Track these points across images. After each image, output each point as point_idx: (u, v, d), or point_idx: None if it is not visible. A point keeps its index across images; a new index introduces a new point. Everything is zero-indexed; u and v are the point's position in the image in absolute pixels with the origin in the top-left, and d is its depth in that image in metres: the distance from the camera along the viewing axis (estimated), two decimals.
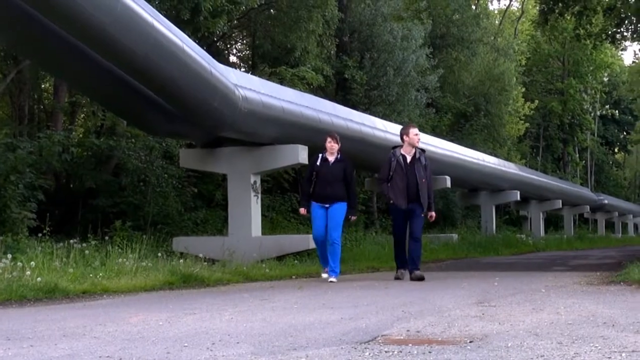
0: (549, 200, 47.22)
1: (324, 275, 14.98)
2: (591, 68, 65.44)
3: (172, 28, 15.98)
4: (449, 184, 29.46)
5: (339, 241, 14.97)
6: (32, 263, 12.50)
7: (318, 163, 15.02)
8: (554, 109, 62.33)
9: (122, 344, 6.33)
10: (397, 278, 14.79)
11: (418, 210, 14.67)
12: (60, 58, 15.70)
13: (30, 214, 19.37)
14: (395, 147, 15.16)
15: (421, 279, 14.29)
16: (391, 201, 14.84)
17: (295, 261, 18.81)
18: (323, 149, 15.17)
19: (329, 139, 15.13)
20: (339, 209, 14.91)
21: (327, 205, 14.89)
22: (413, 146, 14.82)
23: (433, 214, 15.02)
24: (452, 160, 30.39)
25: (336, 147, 15.03)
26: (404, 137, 14.90)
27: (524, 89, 54.59)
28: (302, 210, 15.48)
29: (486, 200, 39.77)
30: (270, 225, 22.22)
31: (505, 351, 5.71)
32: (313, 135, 19.22)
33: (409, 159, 14.75)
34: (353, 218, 15.45)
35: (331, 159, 15.01)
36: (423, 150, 15.15)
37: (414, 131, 14.91)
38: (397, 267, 15.17)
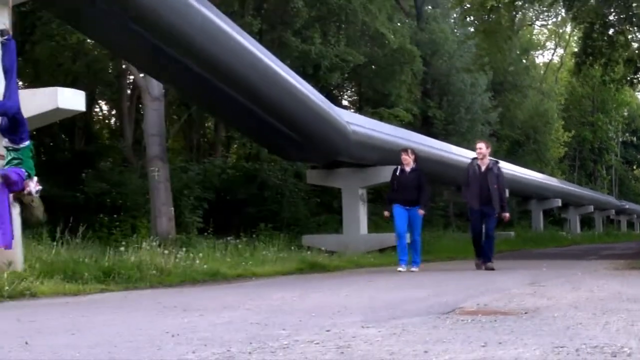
0: (583, 206, 46.78)
1: (399, 269, 13.36)
2: (614, 105, 63.93)
3: (301, 81, 16.07)
4: (507, 195, 28.89)
5: (419, 239, 13.98)
6: (200, 254, 12.63)
7: (397, 174, 13.86)
8: (586, 137, 61.02)
9: (266, 314, 6.31)
10: (477, 264, 13.68)
11: (490, 211, 13.42)
12: (219, 105, 15.87)
13: (198, 219, 19.61)
14: (474, 158, 13.99)
15: (491, 269, 13.33)
16: (467, 202, 13.96)
17: (393, 252, 18.59)
18: (400, 163, 14.00)
19: (402, 154, 14.00)
20: (419, 214, 13.83)
21: (407, 207, 13.66)
22: (483, 157, 13.62)
23: (507, 214, 13.71)
24: (510, 176, 29.83)
25: (409, 159, 13.80)
26: None
27: (563, 122, 53.66)
28: (386, 214, 14.32)
29: (535, 206, 39.65)
30: (373, 225, 22.10)
31: (553, 320, 5.59)
32: None
33: (483, 168, 13.53)
34: (421, 212, 13.76)
35: (407, 169, 13.79)
36: (497, 161, 14.05)
37: (477, 145, 13.86)
38: (477, 255, 13.87)
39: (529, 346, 4.33)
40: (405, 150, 14.25)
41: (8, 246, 8.90)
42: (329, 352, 4.26)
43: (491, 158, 14.05)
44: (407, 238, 13.81)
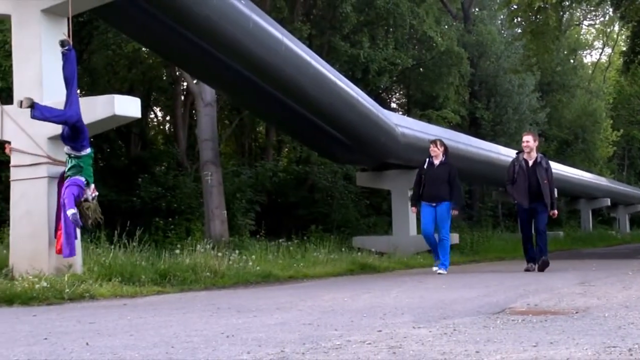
0: (633, 205, 45.98)
1: (434, 269, 12.83)
2: None
3: (350, 85, 16.06)
4: (556, 195, 28.61)
5: (447, 237, 12.85)
6: (253, 256, 12.65)
7: (425, 166, 12.93)
8: (635, 136, 60.00)
9: (318, 315, 6.32)
10: (526, 270, 12.41)
11: (540, 207, 12.29)
12: (270, 109, 15.95)
13: (251, 221, 19.74)
14: (519, 152, 12.75)
15: (547, 263, 12.30)
16: (515, 201, 12.71)
17: None
18: (429, 155, 13.07)
19: (431, 145, 13.07)
20: (446, 209, 12.72)
21: (434, 204, 12.73)
22: (530, 151, 12.52)
23: (555, 212, 12.53)
24: (558, 176, 29.48)
25: (438, 151, 12.86)
26: None
27: (611, 121, 52.85)
28: (413, 209, 13.82)
29: (584, 205, 39.12)
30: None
31: (603, 319, 5.52)
32: (453, 160, 18.89)
33: (530, 162, 12.39)
34: (454, 212, 12.88)
35: (436, 162, 12.83)
36: (545, 155, 12.93)
37: (524, 138, 12.67)
38: (527, 261, 12.67)
39: (580, 346, 4.29)
40: (435, 142, 13.27)
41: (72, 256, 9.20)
42: (380, 352, 4.26)
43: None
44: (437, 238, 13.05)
